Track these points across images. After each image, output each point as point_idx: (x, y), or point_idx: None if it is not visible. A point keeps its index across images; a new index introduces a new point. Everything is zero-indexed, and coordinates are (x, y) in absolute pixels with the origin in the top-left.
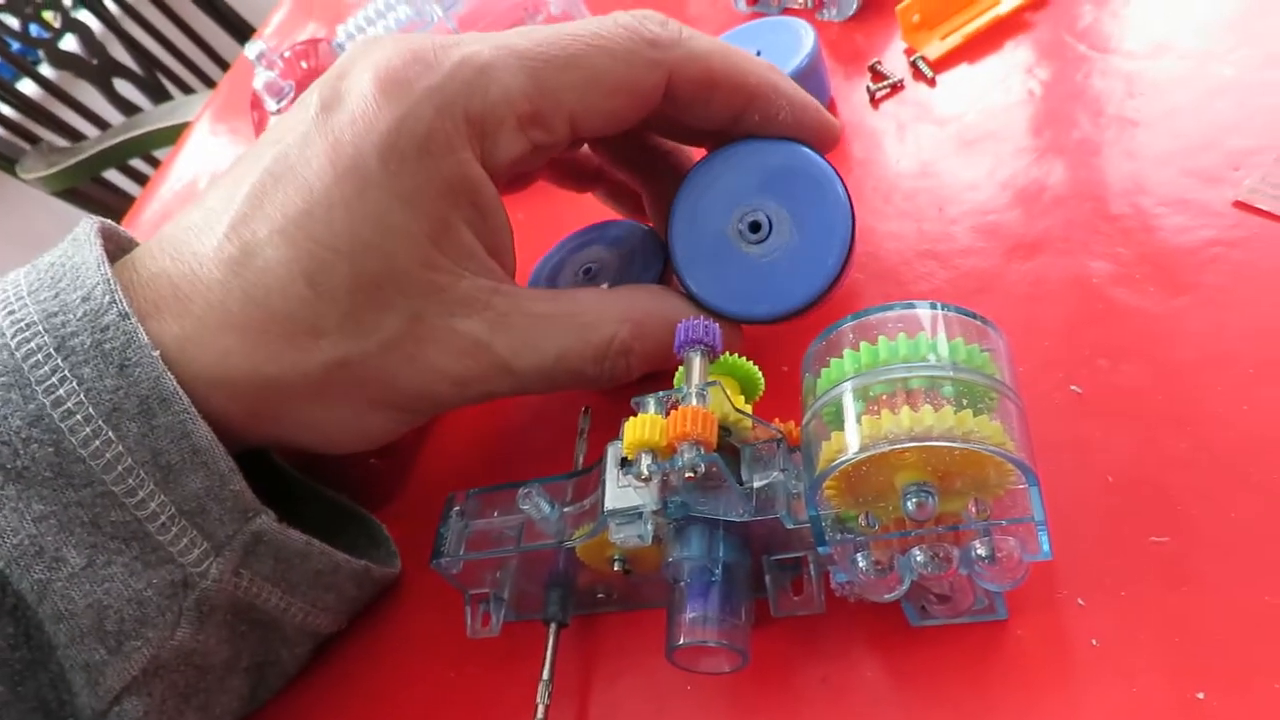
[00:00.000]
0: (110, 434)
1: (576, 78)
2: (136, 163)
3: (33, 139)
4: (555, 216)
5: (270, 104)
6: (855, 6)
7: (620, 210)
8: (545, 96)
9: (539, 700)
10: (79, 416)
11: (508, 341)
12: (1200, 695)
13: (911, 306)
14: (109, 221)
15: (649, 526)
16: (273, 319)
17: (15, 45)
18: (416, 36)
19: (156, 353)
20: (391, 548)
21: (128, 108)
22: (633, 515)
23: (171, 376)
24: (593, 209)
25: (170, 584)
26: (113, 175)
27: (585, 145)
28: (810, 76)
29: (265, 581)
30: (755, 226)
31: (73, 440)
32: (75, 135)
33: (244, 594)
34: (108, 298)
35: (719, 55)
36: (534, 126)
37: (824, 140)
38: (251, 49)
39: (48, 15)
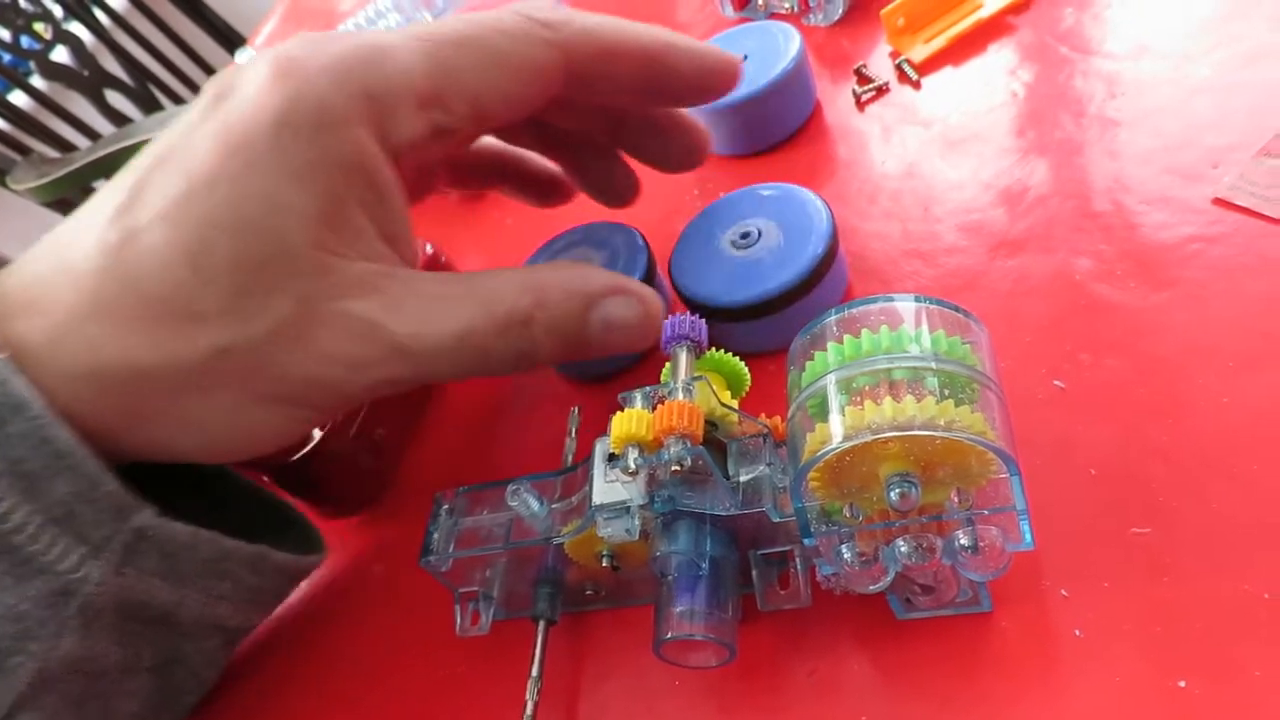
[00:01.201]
0: None
1: (475, 57)
2: None
3: (23, 150)
4: (544, 217)
5: None
6: (841, 11)
7: (530, 201)
8: (445, 75)
9: (528, 697)
10: None
11: (403, 322)
12: (1182, 684)
13: (892, 299)
14: None
15: (636, 521)
16: (149, 304)
17: (6, 57)
18: (318, 32)
19: (4, 355)
20: (309, 533)
21: (119, 119)
22: (620, 510)
23: (23, 380)
24: (579, 211)
25: (48, 594)
26: (103, 186)
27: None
28: (796, 80)
29: (152, 577)
30: (745, 235)
31: None
32: (66, 146)
33: (130, 593)
34: None
35: (610, 25)
36: (434, 107)
37: (730, 74)
38: (240, 56)
39: (39, 27)
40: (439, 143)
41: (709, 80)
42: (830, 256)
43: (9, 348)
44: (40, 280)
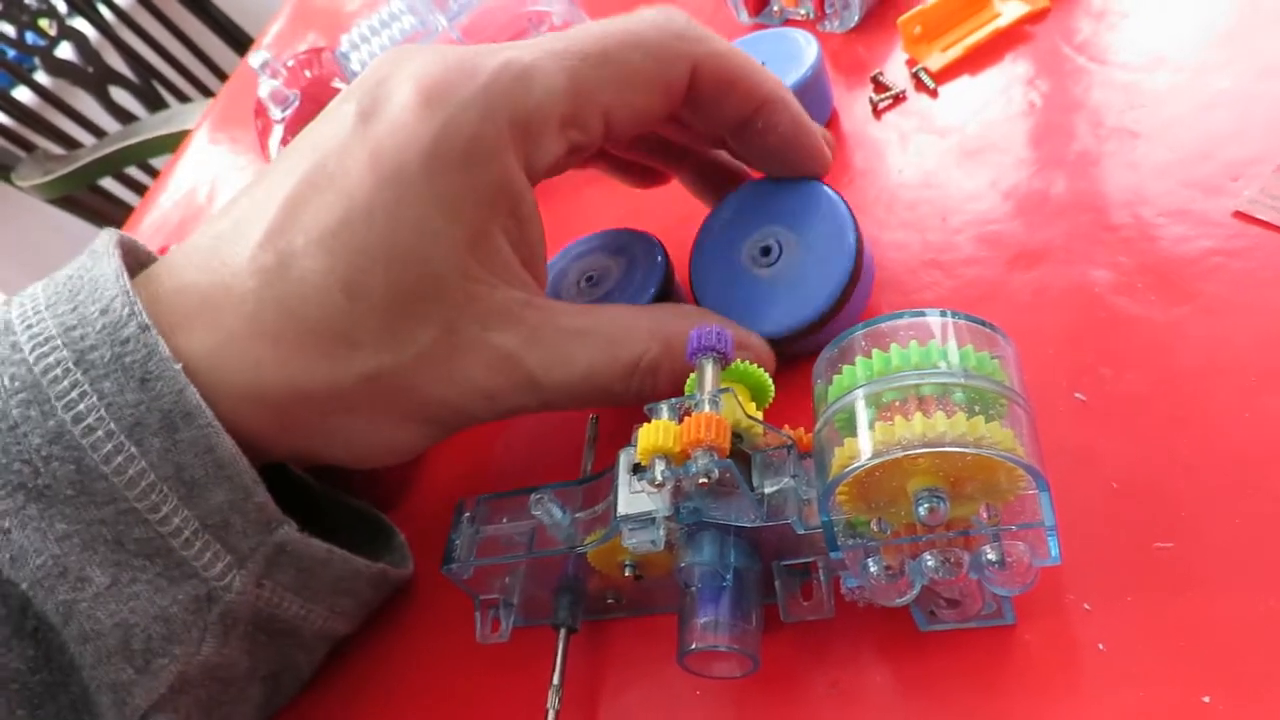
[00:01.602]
0: (133, 450)
1: (611, 73)
2: (133, 171)
3: (28, 147)
4: (559, 223)
5: (275, 112)
6: (857, 18)
7: (629, 183)
8: (582, 95)
9: (549, 705)
10: (100, 433)
11: (539, 356)
12: (1206, 699)
13: (922, 314)
14: (127, 235)
15: (661, 532)
16: (308, 330)
17: (11, 53)
18: (448, 46)
19: (179, 366)
20: (404, 547)
21: (124, 116)
22: (646, 521)
23: (195, 390)
24: (595, 217)
25: (195, 599)
26: (109, 183)
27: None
28: (813, 87)
29: (287, 591)
30: (765, 250)
31: (94, 457)
32: (71, 143)
33: (265, 604)
34: (127, 310)
35: (738, 57)
36: (572, 127)
37: (815, 164)
38: (255, 58)
39: (44, 23)
40: (571, 159)
41: (793, 154)
42: (857, 273)
43: (185, 359)
44: (195, 291)
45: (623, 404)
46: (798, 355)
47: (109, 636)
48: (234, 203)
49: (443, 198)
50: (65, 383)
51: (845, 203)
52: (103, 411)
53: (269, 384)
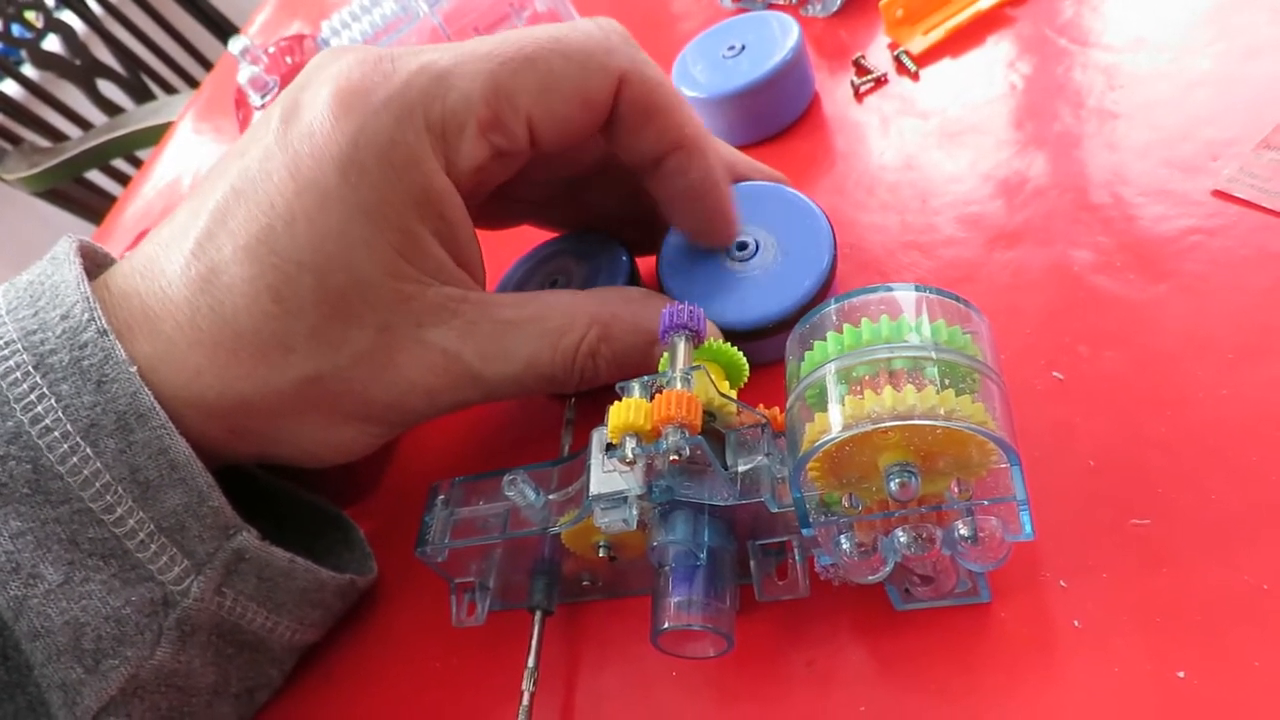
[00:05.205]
0: (88, 450)
1: (533, 80)
2: (119, 163)
3: (15, 139)
4: (526, 228)
5: (255, 99)
6: (839, 2)
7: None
8: (503, 99)
9: (525, 688)
10: (57, 433)
11: (477, 350)
12: (1180, 674)
13: (891, 289)
14: (87, 239)
15: (634, 511)
16: (241, 336)
17: None
18: (375, 48)
19: (134, 368)
20: (367, 550)
21: (111, 108)
22: (618, 500)
23: (149, 392)
24: None
25: (150, 602)
26: (95, 176)
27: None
28: (794, 71)
29: (250, 601)
30: (742, 246)
31: (50, 457)
32: (58, 136)
33: (229, 614)
34: (86, 315)
35: (666, 88)
36: (494, 130)
37: (716, 227)
38: (235, 44)
39: (30, 15)
40: (499, 165)
41: (693, 209)
42: (829, 283)
43: (132, 363)
44: (138, 299)
45: (568, 389)
46: (763, 359)
47: (59, 634)
48: (177, 210)
49: (364, 202)
50: (24, 385)
51: (827, 219)
52: (60, 413)
53: (210, 391)
